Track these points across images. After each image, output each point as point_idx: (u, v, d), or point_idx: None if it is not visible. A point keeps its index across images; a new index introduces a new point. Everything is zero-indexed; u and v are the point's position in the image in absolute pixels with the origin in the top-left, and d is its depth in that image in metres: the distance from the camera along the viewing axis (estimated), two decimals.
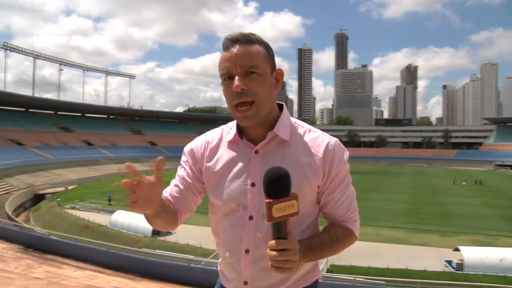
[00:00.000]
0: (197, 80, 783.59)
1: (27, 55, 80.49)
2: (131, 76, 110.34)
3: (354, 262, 17.53)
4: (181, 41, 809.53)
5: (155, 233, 23.36)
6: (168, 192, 1.48)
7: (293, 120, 1.43)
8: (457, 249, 19.17)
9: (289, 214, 1.10)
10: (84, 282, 5.05)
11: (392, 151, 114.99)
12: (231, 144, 1.41)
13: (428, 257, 19.42)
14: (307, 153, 1.35)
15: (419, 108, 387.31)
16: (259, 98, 1.29)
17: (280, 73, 1.39)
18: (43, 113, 77.91)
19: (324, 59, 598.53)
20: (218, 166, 1.40)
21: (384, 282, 13.47)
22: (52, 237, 9.37)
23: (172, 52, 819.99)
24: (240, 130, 1.40)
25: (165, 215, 1.36)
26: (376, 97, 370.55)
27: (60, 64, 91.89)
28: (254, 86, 1.28)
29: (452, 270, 17.93)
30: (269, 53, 1.35)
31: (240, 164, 1.36)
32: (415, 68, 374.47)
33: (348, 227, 1.41)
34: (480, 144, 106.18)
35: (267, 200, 1.09)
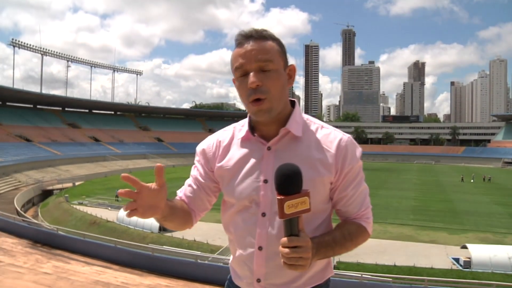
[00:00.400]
0: (204, 77, 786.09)
1: (35, 52, 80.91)
2: (138, 73, 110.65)
3: (361, 259, 17.48)
4: (188, 38, 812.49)
5: (162, 229, 23.46)
6: (183, 192, 1.50)
7: (305, 116, 1.42)
8: (464, 247, 19.04)
9: (301, 211, 1.09)
10: (92, 278, 5.07)
11: (399, 148, 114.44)
12: (244, 141, 1.40)
13: (435, 255, 19.34)
14: (319, 149, 1.34)
15: (426, 104, 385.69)
16: (273, 95, 1.29)
17: (293, 69, 1.39)
18: (50, 110, 78.43)
19: (331, 55, 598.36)
20: (231, 164, 1.40)
21: (391, 279, 13.42)
22: (60, 232, 9.42)
23: (179, 48, 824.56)
24: (252, 127, 1.39)
25: (176, 217, 1.38)
26: (383, 94, 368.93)
27: (68, 61, 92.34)
28: (269, 83, 1.28)
29: (460, 267, 17.82)
30: (282, 49, 1.36)
31: (252, 161, 1.36)
32: (423, 64, 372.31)
33: (361, 224, 1.40)
34: (488, 141, 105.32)
35: (278, 197, 1.09)
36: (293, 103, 1.42)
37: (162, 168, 1.23)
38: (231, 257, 1.50)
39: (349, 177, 1.35)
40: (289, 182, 1.09)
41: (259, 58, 1.27)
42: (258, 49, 1.29)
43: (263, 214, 1.32)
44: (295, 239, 1.11)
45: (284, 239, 1.12)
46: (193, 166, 1.53)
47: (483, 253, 17.93)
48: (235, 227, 1.41)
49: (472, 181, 52.06)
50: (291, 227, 1.11)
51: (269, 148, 1.35)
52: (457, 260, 18.52)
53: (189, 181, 1.51)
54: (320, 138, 1.36)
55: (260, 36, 1.31)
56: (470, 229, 24.31)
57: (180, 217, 1.40)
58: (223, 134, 1.48)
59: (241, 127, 1.45)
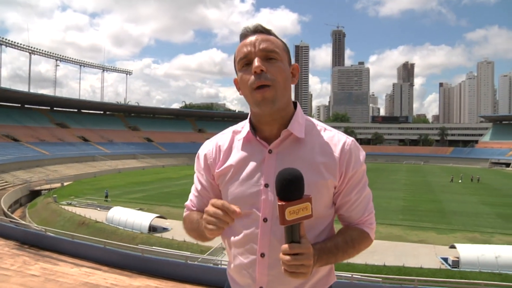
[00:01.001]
0: (194, 77, 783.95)
1: (22, 50, 79.92)
2: (128, 72, 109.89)
3: (350, 259, 17.53)
4: (178, 38, 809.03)
5: (152, 229, 23.35)
6: (192, 202, 1.50)
7: (308, 118, 1.39)
8: (453, 247, 19.22)
9: (303, 217, 1.06)
10: (81, 279, 5.01)
11: (388, 149, 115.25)
12: (244, 143, 1.36)
13: (424, 254, 19.49)
14: (323, 152, 1.30)
15: (415, 105, 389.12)
16: (278, 83, 1.25)
17: (296, 68, 1.36)
18: (39, 109, 77.64)
19: (321, 56, 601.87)
20: (231, 167, 1.35)
21: (381, 279, 13.51)
22: (49, 233, 9.31)
23: (169, 48, 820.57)
24: (253, 128, 1.35)
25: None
26: (373, 95, 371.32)
27: (57, 60, 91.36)
28: (273, 71, 1.25)
29: (448, 267, 17.98)
30: (286, 47, 1.34)
31: (253, 164, 1.32)
32: (412, 65, 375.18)
33: (364, 230, 1.37)
34: (476, 142, 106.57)
35: (279, 203, 1.05)
36: (295, 104, 1.38)
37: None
38: (230, 265, 1.43)
39: (353, 182, 1.33)
40: (290, 187, 1.05)
41: (264, 47, 1.25)
42: (264, 39, 1.27)
43: (265, 220, 1.28)
44: (297, 246, 1.07)
45: (285, 246, 1.08)
46: (195, 175, 1.48)
47: (471, 252, 18.12)
48: (234, 233, 1.35)
49: (460, 181, 52.64)
50: (292, 233, 1.08)
51: (270, 151, 1.31)
52: (445, 259, 18.69)
53: (194, 189, 1.48)
54: (324, 141, 1.32)
55: (265, 30, 1.31)
56: (458, 229, 24.55)
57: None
58: (222, 138, 1.44)
59: (241, 128, 1.40)
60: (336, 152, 1.30)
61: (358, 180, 1.34)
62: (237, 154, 1.36)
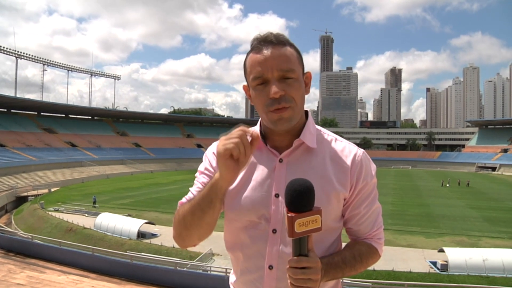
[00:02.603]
0: (182, 82, 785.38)
1: (9, 54, 79.05)
2: (116, 77, 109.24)
3: None
4: (165, 43, 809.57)
5: (141, 235, 23.14)
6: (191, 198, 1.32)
7: (318, 127, 1.36)
8: (441, 250, 19.36)
9: (312, 230, 1.03)
10: (68, 287, 4.93)
11: (377, 153, 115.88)
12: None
13: (413, 258, 19.61)
14: (334, 163, 1.28)
15: (403, 110, 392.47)
16: (295, 103, 1.21)
17: (309, 76, 1.32)
18: (25, 114, 76.61)
19: (308, 61, 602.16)
20: (239, 174, 1.26)
21: (370, 283, 13.55)
22: (36, 240, 9.17)
23: (156, 53, 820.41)
24: (263, 136, 1.31)
25: (216, 213, 1.20)
26: (361, 100, 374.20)
27: (44, 64, 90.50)
28: (291, 92, 1.20)
29: (437, 271, 18.10)
30: (300, 55, 1.29)
31: (263, 173, 1.27)
32: (400, 71, 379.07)
33: (372, 245, 1.35)
34: (463, 146, 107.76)
35: (289, 214, 1.02)
36: (306, 113, 1.34)
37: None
38: (236, 277, 1.38)
39: (363, 194, 1.30)
40: (301, 199, 1.02)
41: (281, 67, 1.19)
42: (279, 56, 1.20)
43: (274, 231, 1.23)
44: (305, 260, 1.04)
45: (294, 259, 1.05)
46: (199, 172, 1.37)
47: (459, 256, 18.27)
48: (242, 244, 1.30)
49: (447, 185, 53.14)
50: (301, 246, 1.05)
51: (281, 160, 1.27)
52: (434, 263, 18.81)
53: (197, 188, 1.34)
54: (335, 152, 1.30)
55: (279, 41, 1.23)
56: (446, 233, 24.77)
57: (214, 222, 1.22)
58: None
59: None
60: (347, 163, 1.28)
61: (369, 193, 1.31)
62: None
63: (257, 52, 1.23)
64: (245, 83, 1.31)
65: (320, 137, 1.32)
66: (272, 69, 1.19)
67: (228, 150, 1.07)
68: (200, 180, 1.35)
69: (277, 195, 1.24)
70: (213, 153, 1.34)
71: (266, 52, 1.21)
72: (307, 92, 1.30)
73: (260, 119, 1.34)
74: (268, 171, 1.27)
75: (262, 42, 1.23)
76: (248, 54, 1.26)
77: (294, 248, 1.06)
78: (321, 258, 1.13)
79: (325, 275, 1.15)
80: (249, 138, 1.09)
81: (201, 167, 1.38)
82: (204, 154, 1.39)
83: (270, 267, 1.24)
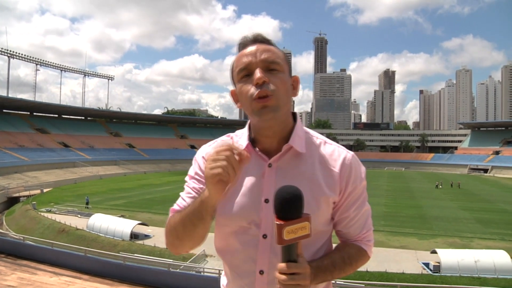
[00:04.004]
0: (175, 82, 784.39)
1: (1, 54, 78.48)
2: (110, 78, 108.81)
3: None
4: (159, 43, 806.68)
5: (134, 236, 23.05)
6: (183, 205, 1.31)
7: (307, 130, 1.35)
8: (434, 252, 19.47)
9: (301, 237, 1.02)
10: None
11: (370, 155, 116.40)
12: None
13: (406, 260, 19.70)
14: (323, 167, 1.27)
15: (396, 112, 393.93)
16: (279, 93, 1.20)
17: (297, 80, 1.32)
18: (18, 114, 76.07)
19: (302, 63, 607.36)
20: None
21: (363, 285, 13.58)
22: (27, 241, 9.10)
23: (150, 53, 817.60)
24: (251, 140, 1.30)
25: (206, 227, 1.21)
26: (355, 101, 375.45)
27: (37, 64, 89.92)
28: (275, 81, 1.20)
29: (430, 272, 18.20)
30: (286, 58, 1.29)
31: (252, 178, 1.26)
32: (393, 73, 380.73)
33: (362, 247, 1.35)
34: (456, 148, 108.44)
35: (277, 222, 1.01)
36: (294, 116, 1.33)
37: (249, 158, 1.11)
38: (227, 282, 1.38)
39: (352, 197, 1.30)
40: (289, 207, 1.01)
41: (265, 57, 1.21)
42: (264, 49, 1.23)
43: (264, 236, 1.23)
44: (293, 266, 1.04)
45: (282, 264, 1.04)
46: (190, 176, 1.36)
47: (451, 257, 18.39)
48: (232, 250, 1.29)
49: (441, 187, 53.45)
50: (290, 252, 1.05)
51: (270, 165, 1.26)
52: (427, 264, 18.91)
53: (186, 192, 1.34)
54: (324, 155, 1.29)
55: (265, 40, 1.27)
56: (439, 234, 24.92)
57: (204, 234, 1.23)
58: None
59: (239, 138, 1.35)
60: (337, 167, 1.27)
61: (358, 196, 1.31)
62: None
63: (244, 48, 1.25)
64: (233, 88, 1.31)
65: (309, 140, 1.32)
66: (257, 60, 1.21)
67: (216, 176, 1.07)
68: (190, 185, 1.34)
69: (266, 201, 1.23)
70: (203, 157, 1.34)
71: (253, 47, 1.24)
72: (295, 94, 1.31)
73: (248, 121, 1.33)
74: (258, 176, 1.26)
75: (249, 40, 1.26)
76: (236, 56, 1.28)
77: (283, 254, 1.06)
78: (311, 262, 1.14)
79: (314, 278, 1.15)
80: (237, 157, 1.08)
81: (191, 171, 1.37)
82: (194, 158, 1.39)
83: (261, 272, 1.24)
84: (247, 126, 1.35)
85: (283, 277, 1.04)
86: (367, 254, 1.36)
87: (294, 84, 1.31)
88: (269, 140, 1.28)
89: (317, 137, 1.35)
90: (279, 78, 1.22)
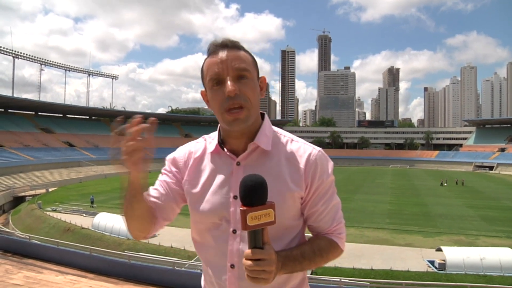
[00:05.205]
0: (179, 81, 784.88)
1: (6, 54, 78.89)
2: (114, 77, 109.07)
3: (338, 263, 17.59)
4: (162, 42, 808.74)
5: None
6: (150, 196, 1.43)
7: (275, 129, 1.39)
8: (439, 249, 19.41)
9: (265, 223, 1.06)
10: (66, 287, 4.92)
11: (374, 153, 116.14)
12: (213, 156, 1.37)
13: (411, 258, 19.65)
14: (289, 164, 1.31)
15: (400, 109, 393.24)
16: (251, 103, 1.25)
17: (264, 81, 1.37)
18: (23, 114, 76.49)
19: (305, 61, 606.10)
20: (200, 178, 1.36)
21: (369, 283, 13.57)
22: (33, 240, 9.15)
23: (153, 53, 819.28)
24: (221, 141, 1.36)
25: (142, 210, 1.34)
26: (359, 99, 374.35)
27: (41, 64, 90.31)
28: (246, 91, 1.24)
29: (435, 270, 18.14)
30: (255, 61, 1.33)
31: (221, 176, 1.33)
32: (397, 70, 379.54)
33: (333, 239, 1.36)
34: (461, 145, 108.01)
35: (241, 208, 1.06)
36: (262, 116, 1.38)
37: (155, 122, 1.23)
38: (204, 277, 1.43)
39: (319, 192, 1.32)
40: (252, 193, 1.06)
41: (236, 66, 1.24)
42: (234, 57, 1.26)
43: (234, 231, 1.28)
44: (258, 252, 1.08)
45: (248, 251, 1.08)
46: (161, 173, 1.47)
47: (456, 255, 18.32)
48: (206, 246, 1.36)
49: (445, 184, 53.25)
50: (255, 239, 1.08)
51: (238, 164, 1.31)
52: (432, 262, 18.85)
53: (156, 185, 1.44)
54: (290, 152, 1.33)
55: (234, 45, 1.29)
56: (444, 232, 24.82)
57: (144, 214, 1.35)
58: (195, 146, 1.44)
59: (211, 140, 1.41)
60: (302, 163, 1.30)
61: (325, 191, 1.33)
62: (207, 165, 1.37)
63: (213, 56, 1.28)
64: (203, 89, 1.35)
65: (276, 139, 1.35)
66: (228, 69, 1.24)
67: (129, 159, 1.23)
68: (159, 179, 1.46)
69: (235, 197, 1.28)
70: (174, 157, 1.46)
71: (222, 54, 1.26)
72: (262, 95, 1.34)
73: (219, 125, 1.37)
74: (227, 175, 1.32)
75: (219, 46, 1.28)
76: (205, 60, 1.31)
77: (249, 241, 1.09)
78: (280, 252, 1.18)
79: (282, 267, 1.18)
80: (144, 133, 1.22)
81: (163, 168, 1.48)
82: (167, 157, 1.49)
83: (232, 266, 1.28)
84: (217, 129, 1.40)
85: (249, 262, 1.08)
86: (338, 246, 1.37)
87: (261, 85, 1.35)
88: (237, 140, 1.33)
89: (285, 135, 1.38)
90: (249, 87, 1.25)
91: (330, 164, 1.35)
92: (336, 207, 1.38)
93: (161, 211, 1.41)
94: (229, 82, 1.22)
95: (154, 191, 1.43)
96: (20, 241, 8.45)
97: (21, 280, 4.97)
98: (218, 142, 1.36)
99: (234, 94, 1.21)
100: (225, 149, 1.34)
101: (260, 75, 1.35)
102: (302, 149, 1.33)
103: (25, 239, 9.84)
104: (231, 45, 1.28)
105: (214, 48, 1.29)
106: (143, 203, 1.33)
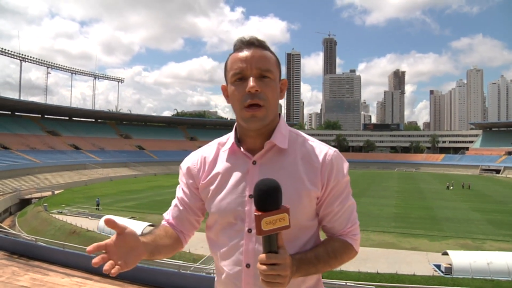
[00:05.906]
0: (184, 84, 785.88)
1: (13, 57, 79.43)
2: (120, 80, 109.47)
3: (343, 267, 17.49)
4: (167, 46, 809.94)
5: None
6: (169, 215, 1.49)
7: (291, 129, 1.40)
8: (445, 253, 19.26)
9: (280, 228, 1.07)
10: None
11: (380, 156, 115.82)
12: (229, 155, 1.38)
13: (417, 262, 19.51)
14: (305, 163, 1.32)
15: (406, 113, 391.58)
16: (269, 103, 1.27)
17: (285, 83, 1.39)
18: (29, 117, 77.00)
19: (310, 64, 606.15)
20: (216, 179, 1.37)
21: (374, 287, 13.50)
22: (39, 243, 9.18)
23: (159, 56, 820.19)
24: (237, 140, 1.37)
25: (162, 247, 1.35)
26: (364, 102, 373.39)
27: (48, 67, 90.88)
28: (267, 90, 1.26)
29: (441, 274, 18.01)
30: (278, 62, 1.36)
31: (237, 175, 1.33)
32: (403, 73, 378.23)
33: (347, 241, 1.37)
34: (467, 148, 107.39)
35: (256, 213, 1.06)
36: (278, 116, 1.39)
37: (110, 220, 1.16)
38: (218, 277, 1.43)
39: (335, 192, 1.33)
40: (266, 198, 1.07)
41: (260, 65, 1.26)
42: (260, 56, 1.28)
43: (249, 230, 1.28)
44: (273, 256, 1.08)
45: (262, 255, 1.09)
46: (178, 186, 1.50)
47: (463, 259, 18.17)
48: (221, 245, 1.36)
49: (451, 188, 52.95)
50: (270, 243, 1.09)
51: (254, 162, 1.32)
52: (438, 266, 18.72)
53: (175, 201, 1.49)
54: (306, 152, 1.34)
55: (261, 44, 1.31)
56: (450, 236, 24.66)
57: (167, 245, 1.37)
58: (207, 150, 1.45)
59: (226, 140, 1.42)
60: (318, 163, 1.31)
61: (341, 191, 1.34)
62: (222, 165, 1.38)
63: (239, 51, 1.30)
64: (224, 84, 1.37)
65: (292, 138, 1.37)
66: (252, 66, 1.26)
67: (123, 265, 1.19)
68: (179, 195, 1.49)
69: (251, 196, 1.28)
70: (188, 166, 1.46)
71: (248, 51, 1.28)
72: (281, 97, 1.36)
73: (235, 124, 1.39)
74: (242, 174, 1.32)
75: (245, 43, 1.31)
76: (230, 54, 1.33)
77: (264, 245, 1.10)
78: (294, 255, 1.19)
79: (297, 271, 1.18)
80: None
81: (179, 178, 1.51)
82: (180, 166, 1.51)
83: (248, 266, 1.29)
84: (233, 128, 1.41)
85: (263, 267, 1.08)
86: (353, 248, 1.38)
87: (282, 87, 1.36)
88: (253, 140, 1.34)
89: (301, 135, 1.41)
90: (270, 87, 1.27)
91: (346, 164, 1.37)
92: (351, 208, 1.40)
93: (185, 226, 1.47)
94: (251, 79, 1.25)
95: (175, 209, 1.49)
96: (26, 243, 8.48)
97: (27, 282, 5.00)
98: (235, 140, 1.37)
99: (254, 91, 1.24)
100: (242, 148, 1.35)
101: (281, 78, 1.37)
102: (318, 148, 1.35)
103: (31, 241, 9.87)
104: (258, 44, 1.31)
105: (241, 44, 1.31)
106: (162, 245, 1.35)
